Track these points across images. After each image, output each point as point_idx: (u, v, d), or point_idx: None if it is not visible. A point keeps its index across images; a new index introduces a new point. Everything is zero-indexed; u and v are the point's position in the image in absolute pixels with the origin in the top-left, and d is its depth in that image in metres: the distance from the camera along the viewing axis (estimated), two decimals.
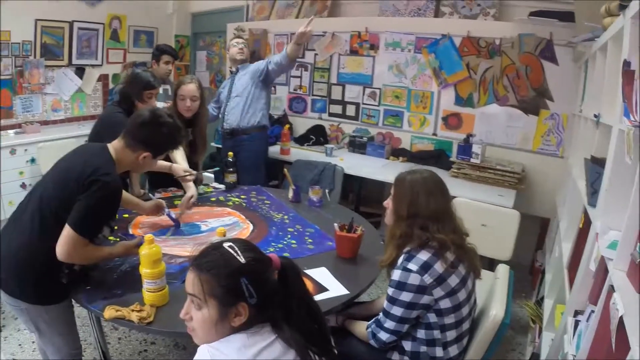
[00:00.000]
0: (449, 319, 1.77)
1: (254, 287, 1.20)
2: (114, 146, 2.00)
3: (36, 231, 1.83)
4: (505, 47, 4.04)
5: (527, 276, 4.17)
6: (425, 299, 1.73)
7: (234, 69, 4.09)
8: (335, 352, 1.37)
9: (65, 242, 1.76)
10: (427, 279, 1.72)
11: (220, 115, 4.13)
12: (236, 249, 1.25)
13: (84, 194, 1.78)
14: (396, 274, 1.76)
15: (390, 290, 1.78)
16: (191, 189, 2.86)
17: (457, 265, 1.78)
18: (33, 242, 1.83)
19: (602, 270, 1.58)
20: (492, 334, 1.80)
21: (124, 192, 2.38)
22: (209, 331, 1.23)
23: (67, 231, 1.76)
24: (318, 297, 1.87)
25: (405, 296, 1.73)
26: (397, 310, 1.76)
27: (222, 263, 1.22)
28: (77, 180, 1.80)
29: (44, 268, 1.84)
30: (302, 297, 1.31)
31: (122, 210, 2.75)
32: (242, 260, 1.22)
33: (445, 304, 1.75)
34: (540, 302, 2.96)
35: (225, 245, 1.26)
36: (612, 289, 1.32)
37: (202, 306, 1.21)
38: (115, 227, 2.52)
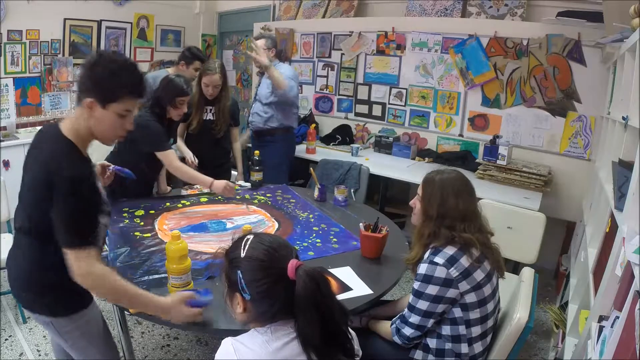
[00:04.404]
0: (474, 314, 1.78)
1: (249, 285, 1.22)
2: (70, 119, 1.71)
3: (35, 244, 1.65)
4: (532, 47, 4.01)
5: (551, 280, 4.14)
6: (451, 293, 1.74)
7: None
8: (359, 353, 1.38)
9: (73, 265, 1.53)
10: (453, 272, 1.73)
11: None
12: (247, 241, 1.27)
13: (54, 201, 1.52)
14: (422, 268, 1.78)
15: (416, 284, 1.79)
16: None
17: (482, 261, 1.79)
18: (35, 255, 1.66)
19: (628, 275, 1.57)
20: (515, 337, 1.79)
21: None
22: (229, 305, 1.33)
23: (67, 255, 1.53)
24: (342, 297, 1.89)
25: (432, 289, 1.75)
26: (422, 304, 1.77)
27: (229, 250, 1.29)
28: (44, 185, 1.54)
29: (55, 278, 1.63)
30: (318, 306, 1.21)
31: (148, 206, 2.84)
32: (242, 254, 1.24)
33: (470, 298, 1.76)
34: (564, 306, 2.93)
35: (249, 235, 1.30)
36: (637, 295, 1.30)
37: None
38: (142, 223, 2.57)
